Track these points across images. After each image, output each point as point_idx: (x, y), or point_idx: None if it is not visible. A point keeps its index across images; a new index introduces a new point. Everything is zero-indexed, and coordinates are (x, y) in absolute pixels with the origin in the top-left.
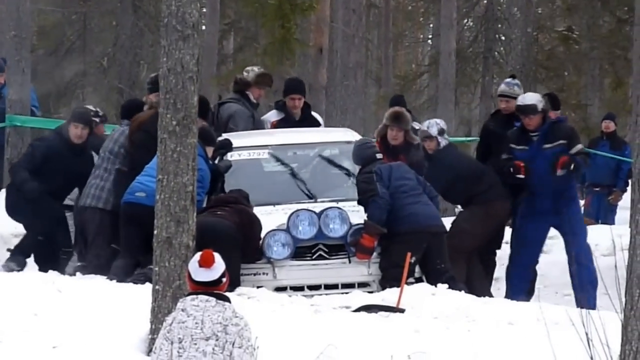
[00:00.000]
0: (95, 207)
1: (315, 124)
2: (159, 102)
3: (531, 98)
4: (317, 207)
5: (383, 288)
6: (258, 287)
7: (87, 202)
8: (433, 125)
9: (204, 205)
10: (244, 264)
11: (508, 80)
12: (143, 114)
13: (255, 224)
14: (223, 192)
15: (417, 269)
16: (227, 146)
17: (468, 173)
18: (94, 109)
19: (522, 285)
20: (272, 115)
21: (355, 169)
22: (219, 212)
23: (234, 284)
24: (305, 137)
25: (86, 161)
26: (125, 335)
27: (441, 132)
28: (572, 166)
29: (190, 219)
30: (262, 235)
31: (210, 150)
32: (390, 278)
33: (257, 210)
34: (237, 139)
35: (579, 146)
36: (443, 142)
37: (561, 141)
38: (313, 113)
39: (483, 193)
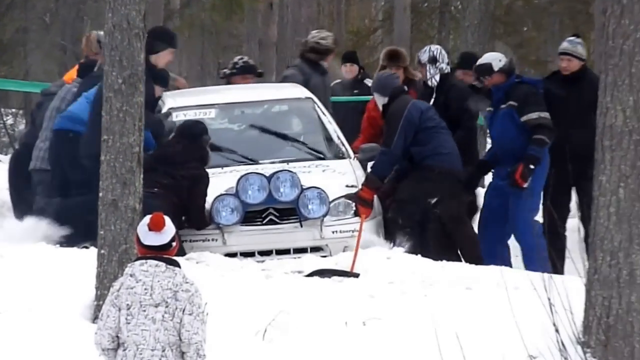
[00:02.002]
0: (46, 169)
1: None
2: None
3: (487, 57)
4: (267, 169)
5: (394, 221)
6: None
7: (36, 165)
8: (425, 51)
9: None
10: (191, 229)
11: (571, 38)
12: None
13: (201, 188)
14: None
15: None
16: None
17: None
18: None
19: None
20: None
21: (304, 127)
22: (155, 189)
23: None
24: (253, 94)
25: None
26: (69, 302)
27: (432, 60)
28: (530, 169)
29: (137, 180)
30: (210, 199)
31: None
32: (404, 210)
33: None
34: (180, 97)
35: (533, 115)
36: (432, 71)
37: (511, 102)
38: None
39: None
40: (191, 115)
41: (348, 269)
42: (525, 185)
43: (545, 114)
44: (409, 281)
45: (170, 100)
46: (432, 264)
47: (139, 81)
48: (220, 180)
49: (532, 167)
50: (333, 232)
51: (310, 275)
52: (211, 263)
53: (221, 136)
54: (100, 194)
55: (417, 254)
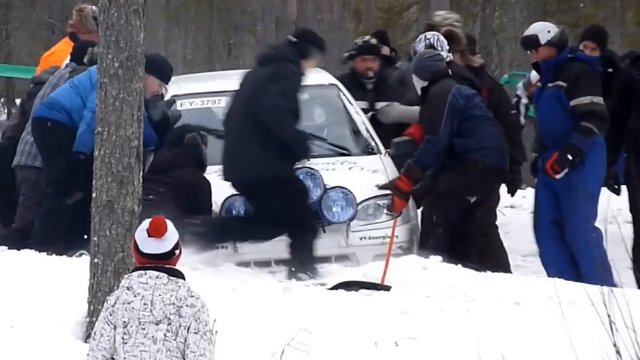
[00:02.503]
0: (32, 165)
1: None
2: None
3: (533, 27)
4: None
5: (428, 217)
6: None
7: (21, 160)
8: (420, 40)
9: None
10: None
11: None
12: None
13: (203, 199)
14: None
15: None
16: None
17: None
18: None
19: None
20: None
21: (328, 118)
22: (151, 196)
23: None
24: None
25: None
26: (57, 318)
27: (429, 47)
28: (568, 161)
29: (136, 179)
30: (221, 201)
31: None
32: (440, 205)
33: (211, 170)
34: (185, 83)
35: (584, 100)
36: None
37: (560, 82)
38: None
39: None
40: (198, 104)
41: (378, 281)
42: (557, 177)
43: (599, 99)
44: (449, 295)
45: (173, 86)
46: (474, 275)
47: (138, 65)
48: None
49: (569, 157)
50: (361, 239)
51: (335, 288)
52: (221, 274)
53: None
54: (94, 195)
55: (457, 263)
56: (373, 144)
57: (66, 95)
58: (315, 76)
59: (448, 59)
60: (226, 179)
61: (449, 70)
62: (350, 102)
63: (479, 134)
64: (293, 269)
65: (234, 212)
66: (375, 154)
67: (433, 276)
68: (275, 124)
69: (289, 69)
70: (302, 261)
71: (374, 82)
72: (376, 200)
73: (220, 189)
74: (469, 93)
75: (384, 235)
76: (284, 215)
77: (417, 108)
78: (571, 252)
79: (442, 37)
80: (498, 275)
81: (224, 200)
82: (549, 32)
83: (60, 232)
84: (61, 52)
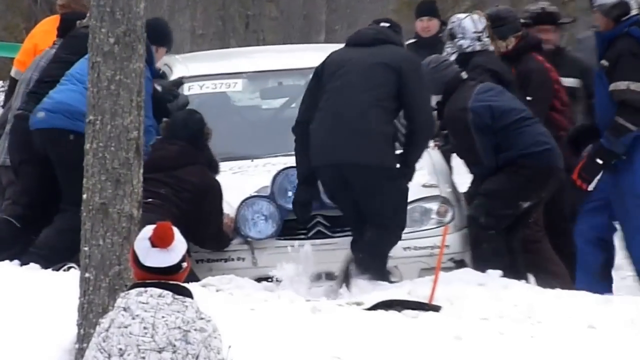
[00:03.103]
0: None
1: None
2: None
3: None
4: None
5: (475, 220)
6: None
7: (6, 161)
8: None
9: None
10: (207, 250)
11: None
12: None
13: (213, 203)
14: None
15: None
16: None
17: None
18: None
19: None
20: None
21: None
22: (149, 199)
23: None
24: (296, 59)
25: None
26: (42, 344)
27: (451, 35)
28: (599, 167)
29: (135, 177)
30: (235, 204)
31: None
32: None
33: (226, 167)
34: (195, 62)
35: (620, 85)
36: (448, 49)
37: (603, 61)
38: None
39: None
40: (210, 87)
41: (425, 300)
42: (589, 189)
43: (638, 86)
44: (510, 317)
45: (180, 66)
46: (540, 293)
47: (138, 40)
48: (249, 178)
49: (599, 162)
50: (405, 249)
51: (373, 308)
52: (236, 291)
53: (250, 117)
54: (84, 196)
55: (522, 277)
56: None
57: (81, 98)
58: None
59: (470, 49)
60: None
61: (462, 73)
62: None
63: (518, 142)
64: (353, 268)
65: (251, 218)
66: None
67: (491, 294)
68: (425, 118)
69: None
70: (373, 261)
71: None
72: (422, 203)
73: (235, 190)
74: (491, 99)
75: (432, 245)
76: (394, 213)
77: None
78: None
79: (465, 23)
80: (569, 293)
81: (241, 203)
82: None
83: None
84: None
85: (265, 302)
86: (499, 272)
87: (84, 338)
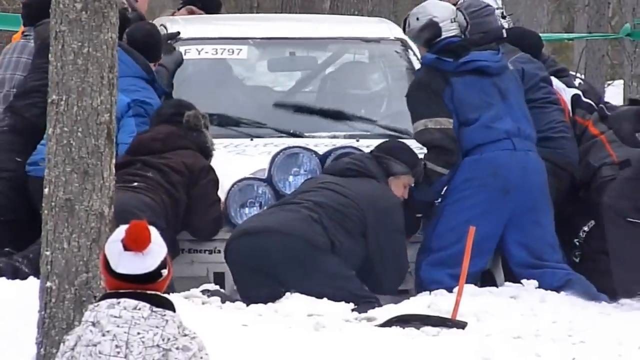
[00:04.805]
0: None
1: None
2: None
3: None
4: (321, 144)
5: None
6: (216, 282)
7: None
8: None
9: None
10: (196, 239)
11: None
12: None
13: (206, 189)
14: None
15: None
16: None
17: None
18: None
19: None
20: None
21: (390, 85)
22: (135, 183)
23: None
24: (313, 27)
25: None
26: None
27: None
28: None
29: (106, 168)
30: (228, 187)
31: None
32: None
33: (221, 145)
34: (194, 24)
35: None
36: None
37: None
38: None
39: None
40: (209, 52)
41: (448, 315)
42: None
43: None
44: (547, 334)
45: (175, 26)
46: (583, 308)
47: (109, 6)
48: (244, 158)
49: None
50: None
51: (387, 324)
52: (226, 304)
53: (254, 89)
54: (46, 190)
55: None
56: None
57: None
58: (376, 27)
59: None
60: None
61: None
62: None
63: None
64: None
65: (242, 201)
66: None
67: (523, 308)
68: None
69: None
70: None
71: None
72: None
73: (227, 171)
74: None
75: None
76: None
77: None
78: None
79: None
80: (617, 308)
81: (232, 186)
82: None
83: None
84: None
85: (259, 316)
86: (535, 282)
87: (45, 358)
